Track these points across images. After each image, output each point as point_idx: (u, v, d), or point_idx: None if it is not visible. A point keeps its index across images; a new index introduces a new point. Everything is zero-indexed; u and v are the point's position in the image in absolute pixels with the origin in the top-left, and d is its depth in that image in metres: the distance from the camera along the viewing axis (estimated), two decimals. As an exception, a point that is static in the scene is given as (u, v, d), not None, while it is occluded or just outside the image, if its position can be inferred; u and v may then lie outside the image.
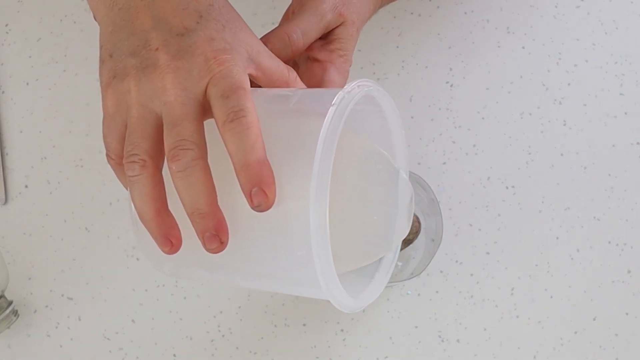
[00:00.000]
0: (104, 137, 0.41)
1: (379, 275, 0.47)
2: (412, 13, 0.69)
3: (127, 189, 0.40)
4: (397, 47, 0.68)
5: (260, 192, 0.37)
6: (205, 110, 0.39)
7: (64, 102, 0.69)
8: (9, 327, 0.63)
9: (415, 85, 0.67)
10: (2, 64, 0.70)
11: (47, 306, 0.65)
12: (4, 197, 0.67)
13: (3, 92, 0.69)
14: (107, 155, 0.42)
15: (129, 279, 0.65)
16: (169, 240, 0.39)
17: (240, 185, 0.37)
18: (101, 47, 0.42)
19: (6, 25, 0.70)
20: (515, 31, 0.68)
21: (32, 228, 0.66)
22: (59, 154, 0.67)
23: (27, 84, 0.69)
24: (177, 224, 0.40)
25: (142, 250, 0.43)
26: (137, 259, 0.65)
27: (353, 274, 0.45)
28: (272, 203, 0.37)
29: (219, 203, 0.38)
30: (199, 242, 0.38)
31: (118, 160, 0.41)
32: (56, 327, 0.65)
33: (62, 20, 0.70)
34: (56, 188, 0.67)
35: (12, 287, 0.65)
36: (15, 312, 0.63)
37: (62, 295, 0.65)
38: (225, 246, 0.38)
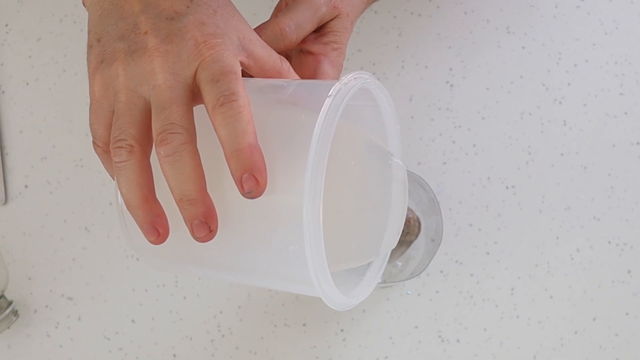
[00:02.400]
0: (91, 124, 0.40)
1: (370, 274, 0.46)
2: (412, 13, 0.69)
3: (113, 178, 0.39)
4: (397, 47, 0.68)
5: (251, 178, 0.36)
6: (194, 95, 0.38)
7: (64, 102, 0.68)
8: (9, 327, 0.63)
9: (415, 85, 0.67)
10: (2, 64, 0.70)
11: (47, 306, 0.65)
12: (4, 197, 0.67)
13: (3, 92, 0.69)
14: (94, 142, 0.40)
15: (129, 279, 0.65)
16: (156, 230, 0.38)
17: (231, 171, 0.36)
18: (89, 32, 0.41)
19: (6, 25, 0.70)
20: (515, 31, 0.68)
21: (32, 228, 0.66)
22: (59, 154, 0.67)
23: (27, 84, 0.69)
24: (164, 213, 0.39)
25: (128, 242, 0.41)
26: (137, 259, 0.65)
27: (344, 271, 0.45)
28: (264, 190, 0.36)
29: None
30: (187, 233, 0.37)
31: (105, 147, 0.40)
32: (56, 327, 0.65)
33: (62, 20, 0.70)
34: (56, 188, 0.67)
35: (12, 287, 0.65)
36: (15, 312, 0.63)
37: (62, 295, 0.65)
38: (214, 235, 0.37)
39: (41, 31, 0.70)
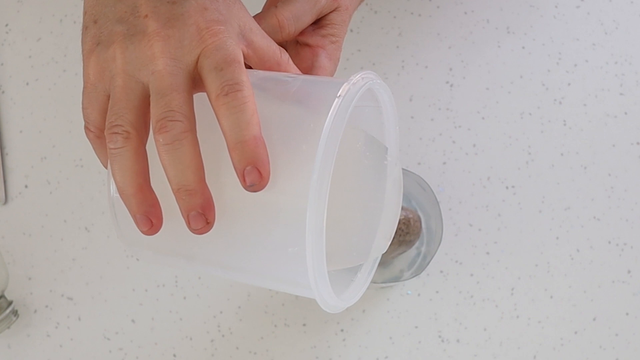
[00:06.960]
0: (84, 108, 0.39)
1: (361, 275, 0.45)
2: (412, 13, 0.69)
3: (105, 166, 0.38)
4: (397, 47, 0.68)
5: (254, 170, 0.35)
6: (195, 82, 0.37)
7: (64, 102, 0.69)
8: (9, 327, 0.63)
9: (415, 85, 0.67)
10: (2, 64, 0.70)
11: (47, 306, 0.65)
12: (4, 197, 0.67)
13: (3, 92, 0.69)
14: (86, 127, 0.39)
15: (129, 279, 0.65)
16: (149, 220, 0.37)
17: (233, 163, 0.35)
18: (85, 14, 0.40)
19: (6, 25, 0.70)
20: (515, 31, 0.68)
21: (32, 228, 0.66)
22: (59, 154, 0.67)
23: (27, 84, 0.69)
24: (158, 203, 0.37)
25: (117, 233, 0.40)
26: (137, 259, 0.65)
27: (335, 272, 0.44)
28: (266, 183, 0.35)
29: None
30: (180, 225, 0.36)
31: (98, 133, 0.39)
32: (56, 327, 0.65)
33: (62, 20, 0.70)
34: (56, 188, 0.67)
35: (12, 287, 0.65)
36: (15, 312, 0.63)
37: (62, 295, 0.65)
38: (211, 227, 0.36)
39: (41, 31, 0.70)
